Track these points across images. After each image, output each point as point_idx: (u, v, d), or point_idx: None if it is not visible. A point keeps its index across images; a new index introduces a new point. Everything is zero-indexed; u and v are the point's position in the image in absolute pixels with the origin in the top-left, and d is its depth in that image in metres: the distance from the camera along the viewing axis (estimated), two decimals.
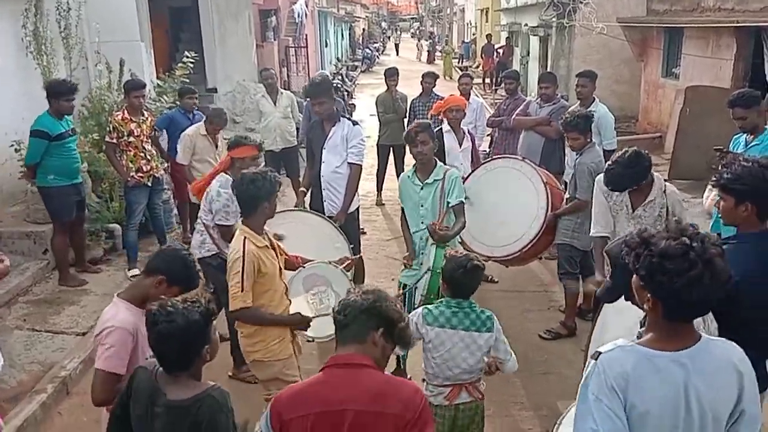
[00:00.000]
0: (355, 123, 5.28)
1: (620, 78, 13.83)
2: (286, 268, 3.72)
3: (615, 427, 1.82)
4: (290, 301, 3.66)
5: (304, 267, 3.87)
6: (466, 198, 5.08)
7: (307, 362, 4.61)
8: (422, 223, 4.32)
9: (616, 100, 12.32)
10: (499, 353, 3.09)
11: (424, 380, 3.23)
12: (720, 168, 2.80)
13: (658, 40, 12.61)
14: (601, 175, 4.18)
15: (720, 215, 2.88)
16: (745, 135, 4.60)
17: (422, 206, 4.36)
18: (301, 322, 3.55)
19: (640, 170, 3.92)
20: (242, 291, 3.26)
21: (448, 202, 4.29)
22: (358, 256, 4.07)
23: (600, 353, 1.90)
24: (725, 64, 10.02)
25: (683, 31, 11.43)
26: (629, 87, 13.64)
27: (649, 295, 1.86)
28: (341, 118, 5.19)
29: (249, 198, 3.36)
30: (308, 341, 3.93)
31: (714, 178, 2.84)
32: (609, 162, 4.07)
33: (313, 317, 3.58)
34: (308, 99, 5.50)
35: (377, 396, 2.00)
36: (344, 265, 3.99)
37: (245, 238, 3.33)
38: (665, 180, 4.16)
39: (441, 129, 5.78)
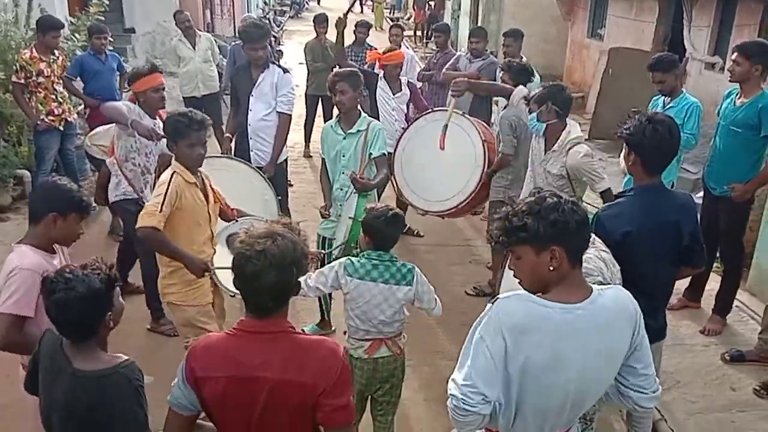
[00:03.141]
0: (285, 71, 5.10)
1: (547, 37, 14.01)
2: (221, 217, 3.65)
3: (486, 365, 1.87)
4: (215, 250, 3.58)
5: (237, 220, 3.77)
6: (389, 150, 5.08)
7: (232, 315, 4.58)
8: (343, 173, 4.28)
9: (543, 58, 12.49)
10: (423, 303, 3.15)
11: (345, 333, 3.26)
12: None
13: (585, 0, 12.82)
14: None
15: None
16: (663, 97, 4.78)
17: (344, 156, 4.30)
18: (202, 266, 3.36)
19: (558, 94, 4.05)
20: (159, 212, 3.22)
21: (371, 154, 4.25)
22: (296, 222, 3.94)
23: (498, 299, 1.95)
24: (647, 27, 10.32)
25: None
26: (556, 46, 13.85)
27: (553, 248, 1.90)
28: (271, 65, 5.02)
29: (170, 133, 3.38)
30: (231, 296, 3.84)
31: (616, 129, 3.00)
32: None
33: (215, 268, 3.43)
34: (238, 42, 5.18)
35: (291, 363, 1.89)
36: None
37: (174, 171, 3.35)
38: (585, 141, 4.23)
39: (377, 76, 5.83)
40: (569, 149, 4.02)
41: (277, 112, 5.00)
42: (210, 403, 1.94)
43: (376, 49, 7.55)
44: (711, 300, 4.84)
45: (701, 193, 4.85)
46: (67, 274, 2.05)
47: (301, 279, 3.09)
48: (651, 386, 2.08)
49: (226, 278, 3.50)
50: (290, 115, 5.11)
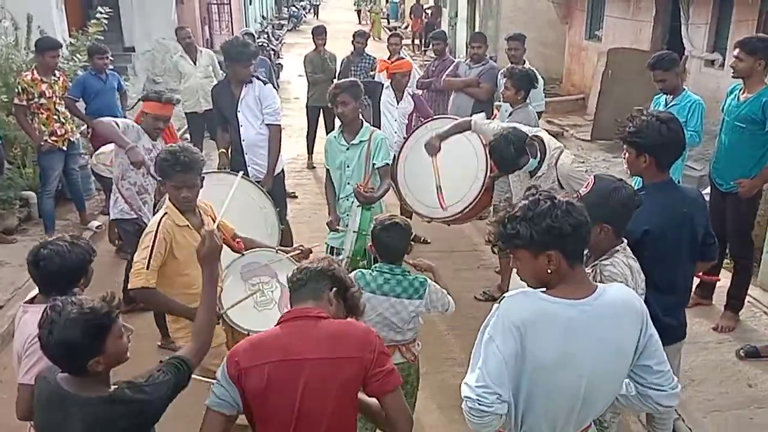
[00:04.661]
0: (265, 82, 5.12)
1: (545, 40, 14.01)
2: (233, 250, 3.46)
3: (498, 365, 1.88)
4: (221, 288, 3.33)
5: (243, 254, 3.52)
6: (392, 159, 5.06)
7: None
8: (348, 184, 4.26)
9: (541, 62, 12.45)
10: (438, 309, 3.16)
11: None
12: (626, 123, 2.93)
13: (582, 2, 12.84)
14: None
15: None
16: (665, 96, 4.77)
17: (348, 167, 4.29)
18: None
19: (505, 157, 3.95)
20: (147, 269, 3.02)
21: (374, 164, 4.24)
22: (309, 249, 3.78)
23: (504, 297, 1.97)
24: (645, 27, 10.32)
25: None
26: (554, 49, 13.86)
27: (549, 253, 1.91)
28: (252, 79, 5.02)
29: (158, 171, 3.26)
30: (246, 335, 3.64)
31: (618, 132, 2.99)
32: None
33: (225, 311, 3.20)
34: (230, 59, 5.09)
35: (334, 343, 2.05)
36: (296, 254, 3.58)
37: (165, 213, 3.15)
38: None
39: (382, 85, 5.92)
40: (556, 162, 3.99)
41: (266, 124, 5.00)
42: (253, 395, 2.01)
43: (375, 58, 7.56)
44: (722, 297, 4.80)
45: (707, 190, 4.83)
46: (55, 313, 1.94)
47: None
48: (669, 383, 2.06)
49: (238, 315, 3.28)
50: (279, 125, 5.13)
